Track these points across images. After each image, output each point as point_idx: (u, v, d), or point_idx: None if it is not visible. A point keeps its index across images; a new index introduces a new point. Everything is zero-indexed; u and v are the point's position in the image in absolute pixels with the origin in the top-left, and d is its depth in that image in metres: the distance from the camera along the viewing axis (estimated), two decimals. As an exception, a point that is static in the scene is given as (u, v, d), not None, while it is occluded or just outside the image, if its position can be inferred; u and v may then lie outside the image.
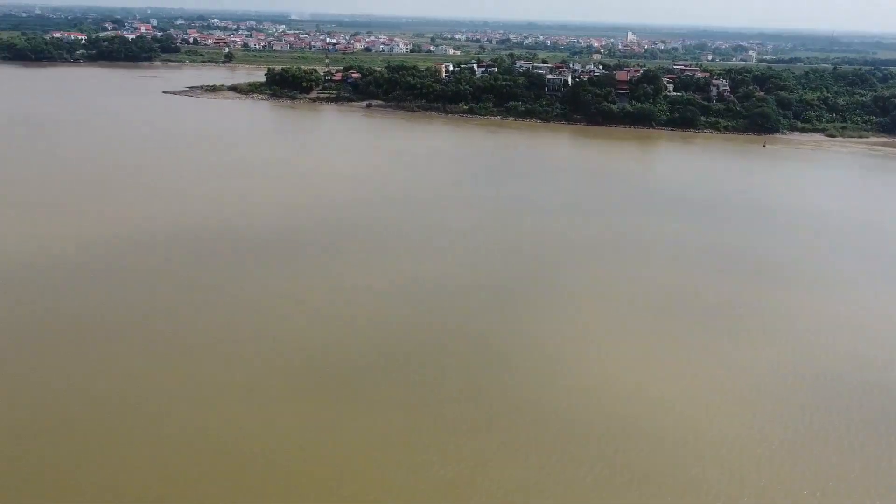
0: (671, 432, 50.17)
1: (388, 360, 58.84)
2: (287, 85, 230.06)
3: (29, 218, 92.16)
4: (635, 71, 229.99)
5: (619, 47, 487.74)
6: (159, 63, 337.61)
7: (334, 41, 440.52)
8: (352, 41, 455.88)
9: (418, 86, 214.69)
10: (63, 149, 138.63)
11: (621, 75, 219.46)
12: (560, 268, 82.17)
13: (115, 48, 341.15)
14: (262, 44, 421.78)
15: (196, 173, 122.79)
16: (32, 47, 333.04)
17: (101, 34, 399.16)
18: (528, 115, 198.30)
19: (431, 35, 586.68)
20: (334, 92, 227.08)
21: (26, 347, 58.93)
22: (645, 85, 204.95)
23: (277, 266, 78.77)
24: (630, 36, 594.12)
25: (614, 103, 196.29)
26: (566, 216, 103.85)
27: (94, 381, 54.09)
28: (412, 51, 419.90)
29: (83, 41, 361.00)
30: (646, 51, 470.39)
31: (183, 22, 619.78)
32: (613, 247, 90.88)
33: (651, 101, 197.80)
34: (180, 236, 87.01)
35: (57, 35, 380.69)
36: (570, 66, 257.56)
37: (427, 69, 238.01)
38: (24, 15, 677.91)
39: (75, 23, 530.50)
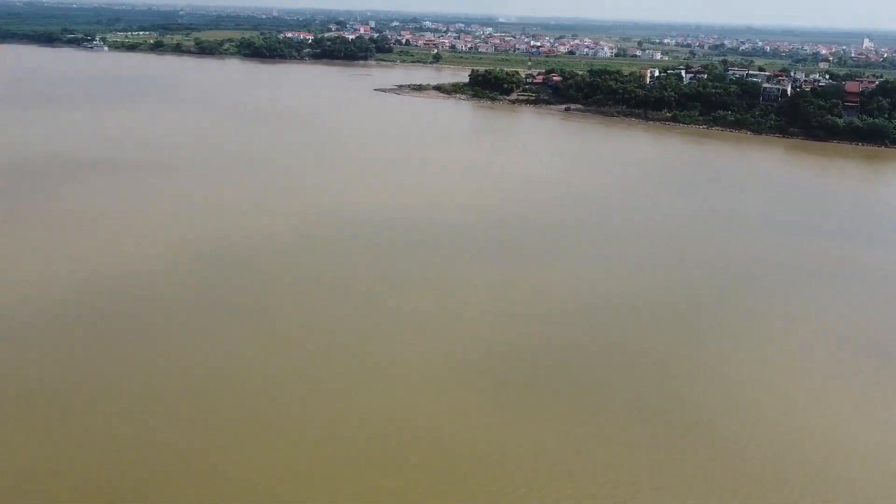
0: (870, 487, 44.47)
1: (565, 369, 58.05)
2: (489, 86, 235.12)
3: (296, 191, 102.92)
4: (869, 82, 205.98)
5: (852, 55, 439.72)
6: (373, 62, 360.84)
7: (538, 44, 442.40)
8: (556, 44, 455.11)
9: (620, 90, 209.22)
10: (301, 136, 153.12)
11: (851, 86, 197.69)
12: (760, 291, 75.96)
13: (336, 47, 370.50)
14: (469, 45, 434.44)
15: (387, 167, 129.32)
16: (267, 46, 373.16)
17: (326, 34, 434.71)
18: (737, 125, 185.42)
19: (639, 39, 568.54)
20: (534, 94, 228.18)
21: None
22: (880, 98, 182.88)
23: (447, 263, 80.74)
24: (866, 43, 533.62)
25: (840, 117, 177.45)
26: (773, 236, 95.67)
27: (313, 374, 59.03)
28: (617, 55, 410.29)
29: (310, 41, 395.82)
30: (885, 59, 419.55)
31: (398, 24, 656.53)
32: (829, 275, 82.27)
33: (887, 116, 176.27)
34: (396, 224, 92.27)
35: (289, 35, 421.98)
36: (791, 74, 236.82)
37: (630, 74, 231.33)
38: (262, 17, 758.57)
39: (305, 24, 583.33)
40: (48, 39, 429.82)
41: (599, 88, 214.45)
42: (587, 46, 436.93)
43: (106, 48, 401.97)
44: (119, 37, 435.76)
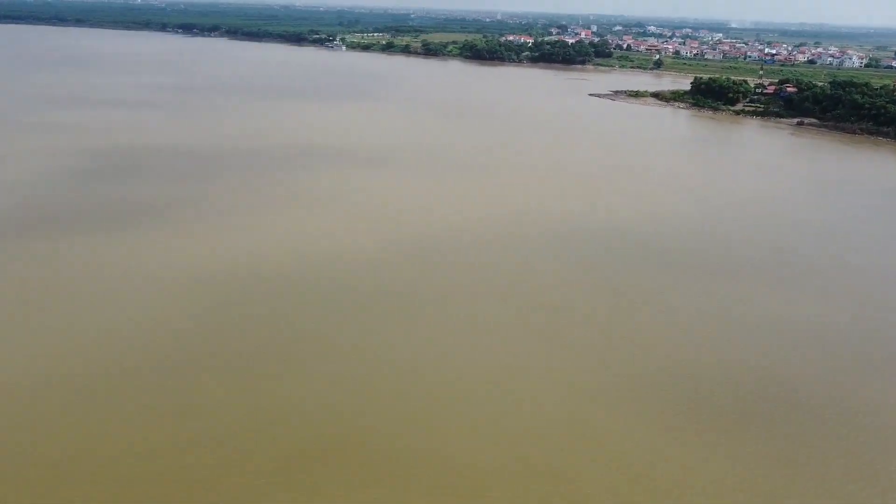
0: None
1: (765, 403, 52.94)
2: (712, 95, 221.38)
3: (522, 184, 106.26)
4: None
5: None
6: (591, 67, 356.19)
7: (773, 51, 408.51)
8: (794, 52, 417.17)
9: (867, 105, 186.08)
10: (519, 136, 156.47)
11: None
12: None
13: (555, 51, 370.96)
14: (695, 52, 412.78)
15: (589, 174, 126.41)
16: (488, 48, 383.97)
17: (546, 38, 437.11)
18: None
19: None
20: (762, 106, 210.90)
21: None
22: None
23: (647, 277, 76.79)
24: None
25: None
26: None
27: (463, 373, 59.91)
28: (867, 65, 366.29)
29: (529, 44, 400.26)
30: None
31: (620, 28, 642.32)
32: None
33: None
34: (596, 234, 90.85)
35: (510, 38, 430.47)
36: None
37: (883, 87, 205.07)
38: (487, 20, 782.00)
39: (526, 27, 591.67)
40: (296, 39, 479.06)
41: (841, 102, 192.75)
42: (831, 55, 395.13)
43: (344, 48, 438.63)
44: (356, 37, 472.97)
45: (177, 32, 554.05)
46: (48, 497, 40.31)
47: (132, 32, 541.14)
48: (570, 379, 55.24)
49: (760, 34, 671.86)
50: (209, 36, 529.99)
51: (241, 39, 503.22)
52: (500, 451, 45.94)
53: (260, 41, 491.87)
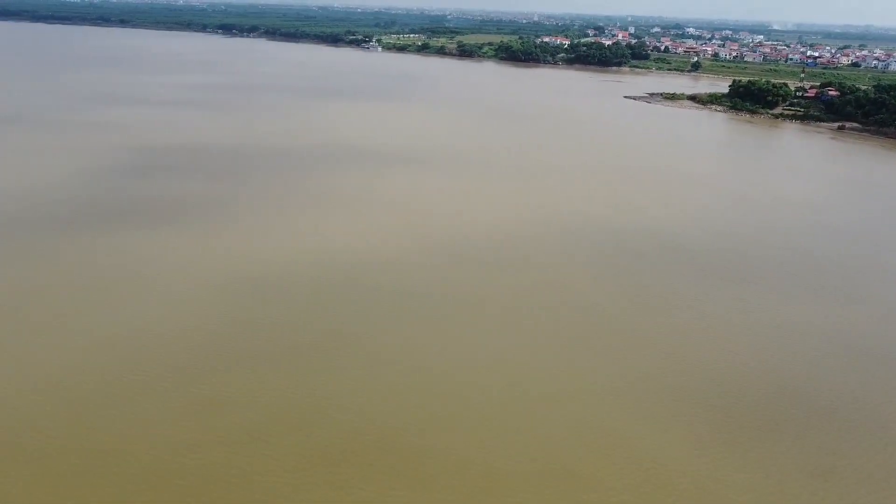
0: None
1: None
2: (750, 98, 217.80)
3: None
4: None
5: None
6: (627, 69, 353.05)
7: (816, 54, 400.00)
8: (837, 55, 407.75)
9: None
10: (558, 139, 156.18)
11: None
12: None
13: (591, 53, 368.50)
14: (734, 54, 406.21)
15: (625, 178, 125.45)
16: (523, 49, 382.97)
17: (582, 40, 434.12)
18: None
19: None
20: (802, 109, 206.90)
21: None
22: None
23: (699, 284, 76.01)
24: None
25: None
26: None
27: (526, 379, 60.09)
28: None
29: (565, 46, 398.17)
30: None
31: (658, 30, 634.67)
32: None
33: None
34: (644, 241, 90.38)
35: (546, 40, 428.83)
36: None
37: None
38: (523, 21, 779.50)
39: (563, 29, 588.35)
40: (333, 40, 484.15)
41: (885, 106, 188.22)
42: (877, 58, 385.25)
43: (380, 48, 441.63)
44: (392, 38, 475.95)
45: (217, 33, 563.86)
46: (85, 489, 41.61)
47: (174, 33, 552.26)
48: (600, 384, 55.01)
49: (803, 36, 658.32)
50: (248, 36, 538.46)
51: (279, 40, 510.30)
52: (532, 457, 46.06)
53: (297, 41, 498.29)
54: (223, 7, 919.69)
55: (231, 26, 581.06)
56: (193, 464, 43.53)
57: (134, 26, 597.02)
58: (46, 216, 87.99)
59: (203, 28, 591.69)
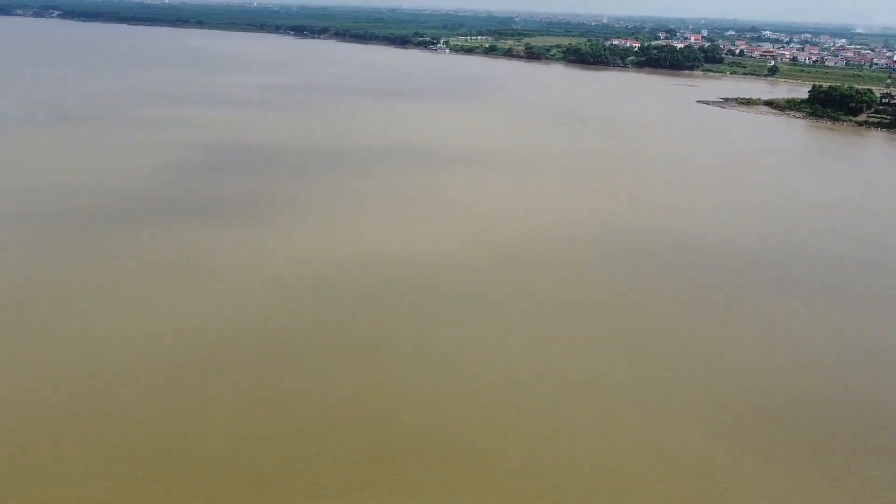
0: None
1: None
2: (831, 104, 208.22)
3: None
4: None
5: None
6: (700, 73, 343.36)
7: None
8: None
9: None
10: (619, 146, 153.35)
11: None
12: None
13: (662, 56, 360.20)
14: (814, 58, 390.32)
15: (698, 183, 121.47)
16: (592, 52, 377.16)
17: (653, 42, 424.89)
18: None
19: None
20: (888, 117, 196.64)
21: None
22: None
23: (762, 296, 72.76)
24: None
25: None
26: None
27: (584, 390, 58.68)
28: None
29: (636, 48, 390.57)
30: None
31: (733, 33, 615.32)
32: None
33: None
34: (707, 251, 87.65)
35: (615, 42, 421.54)
36: None
37: None
38: (592, 24, 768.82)
39: (633, 31, 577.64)
40: (401, 41, 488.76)
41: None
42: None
43: (447, 50, 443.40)
44: (459, 40, 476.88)
45: (289, 34, 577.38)
46: (151, 475, 42.43)
47: (248, 34, 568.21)
48: (660, 398, 53.11)
49: (889, 40, 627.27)
50: (319, 37, 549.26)
51: (348, 41, 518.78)
52: (590, 464, 44.76)
53: (367, 43, 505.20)
54: (295, 9, 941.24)
55: (302, 28, 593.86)
56: (258, 455, 43.89)
57: (210, 27, 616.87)
58: (121, 211, 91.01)
59: (276, 29, 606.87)
